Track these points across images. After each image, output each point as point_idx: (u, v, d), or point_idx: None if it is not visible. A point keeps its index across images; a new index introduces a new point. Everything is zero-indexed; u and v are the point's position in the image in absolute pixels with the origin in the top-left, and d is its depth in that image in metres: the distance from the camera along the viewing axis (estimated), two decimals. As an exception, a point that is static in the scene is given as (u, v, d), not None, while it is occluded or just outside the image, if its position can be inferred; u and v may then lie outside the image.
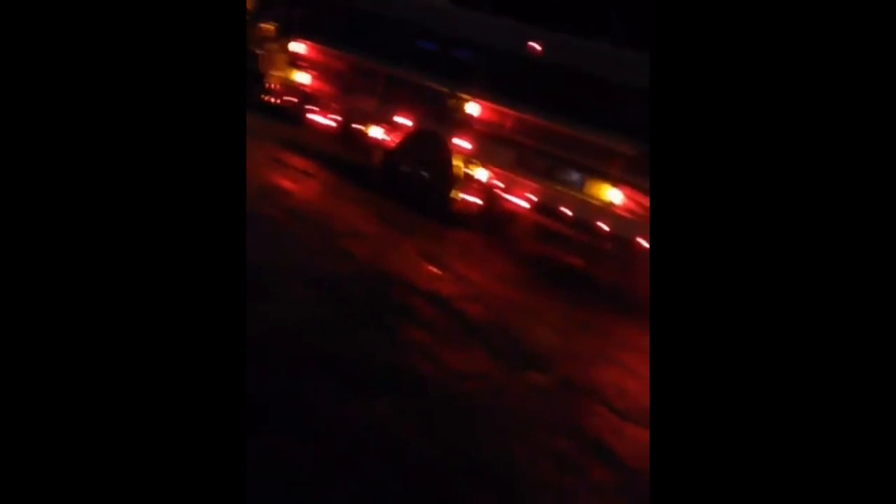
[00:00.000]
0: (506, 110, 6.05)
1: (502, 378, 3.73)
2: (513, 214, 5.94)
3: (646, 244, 5.18)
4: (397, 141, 6.61)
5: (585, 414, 3.61)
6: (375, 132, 6.72)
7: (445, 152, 6.26)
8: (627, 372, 4.21)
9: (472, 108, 6.23)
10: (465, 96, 6.26)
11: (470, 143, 6.14)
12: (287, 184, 6.43)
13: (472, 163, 6.16)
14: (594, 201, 5.48)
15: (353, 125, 6.85)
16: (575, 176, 5.66)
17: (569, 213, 5.57)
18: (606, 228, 5.36)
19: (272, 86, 8.46)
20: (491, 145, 6.07)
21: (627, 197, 5.33)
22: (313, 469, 2.52)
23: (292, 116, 7.42)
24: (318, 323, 3.70)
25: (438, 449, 2.89)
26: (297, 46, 7.35)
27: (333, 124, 6.99)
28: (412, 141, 6.55)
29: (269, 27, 9.14)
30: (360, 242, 5.28)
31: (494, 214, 6.08)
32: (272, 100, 8.27)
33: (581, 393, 3.79)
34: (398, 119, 6.57)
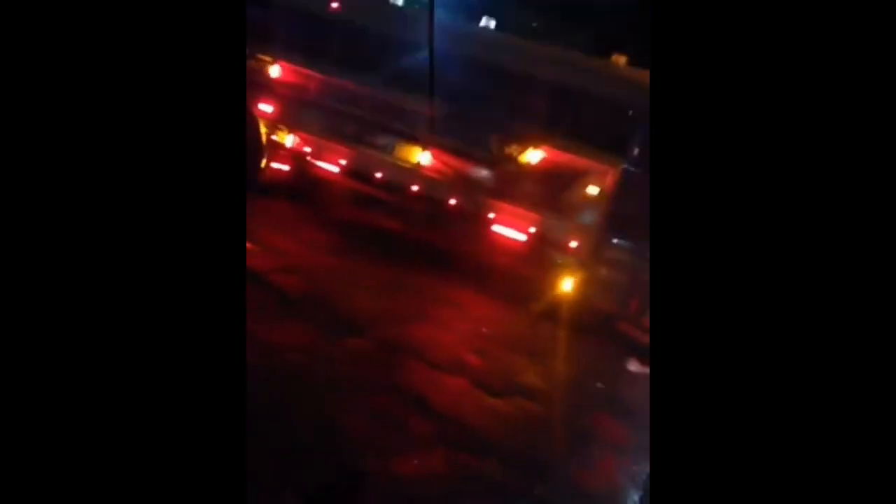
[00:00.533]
0: (309, 72, 5.87)
1: (320, 347, 3.69)
2: (324, 181, 5.84)
3: (454, 201, 5.38)
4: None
5: (403, 371, 3.71)
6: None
7: (249, 118, 5.94)
8: (441, 326, 4.40)
9: (274, 71, 5.96)
10: (265, 58, 5.96)
11: (274, 107, 5.89)
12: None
13: (278, 129, 5.92)
14: (404, 164, 5.56)
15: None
16: (384, 139, 5.68)
17: (380, 176, 5.60)
18: (417, 189, 5.47)
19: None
20: (297, 110, 5.88)
21: (435, 158, 5.47)
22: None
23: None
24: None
25: (261, 425, 2.80)
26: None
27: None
28: (212, 107, 6.14)
29: None
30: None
31: (305, 181, 5.93)
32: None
33: (398, 351, 3.88)
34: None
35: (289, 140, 5.88)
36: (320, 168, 5.77)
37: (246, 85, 1.61)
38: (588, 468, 3.32)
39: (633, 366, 4.87)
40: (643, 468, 3.36)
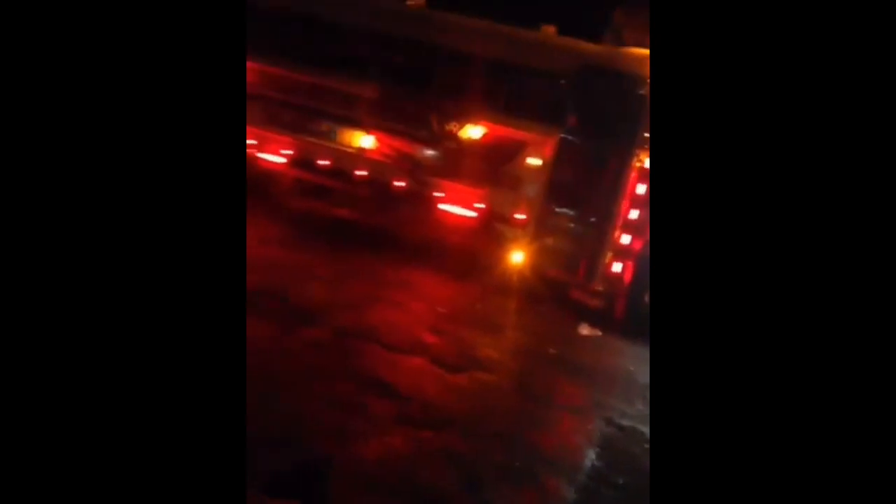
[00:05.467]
0: (249, 64, 5.80)
1: (276, 339, 3.74)
2: (269, 173, 5.82)
3: (400, 183, 5.43)
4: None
5: (359, 355, 3.78)
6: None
7: (188, 115, 5.87)
8: (395, 307, 4.48)
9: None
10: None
11: (213, 102, 5.82)
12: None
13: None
14: (348, 149, 5.58)
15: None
16: (326, 126, 5.68)
17: (325, 163, 5.61)
18: (363, 174, 5.51)
19: None
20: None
21: (378, 141, 5.50)
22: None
23: None
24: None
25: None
26: None
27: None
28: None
29: None
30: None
31: (251, 175, 5.89)
32: None
33: (354, 337, 3.95)
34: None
35: (230, 134, 5.83)
36: (265, 160, 5.75)
37: (246, 85, 1.65)
38: (547, 431, 3.47)
39: (585, 329, 5.04)
40: (598, 426, 3.55)
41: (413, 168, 5.40)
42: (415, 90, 5.39)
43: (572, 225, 5.09)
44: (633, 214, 4.84)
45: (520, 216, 5.20)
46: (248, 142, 5.79)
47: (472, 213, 5.22)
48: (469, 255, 5.20)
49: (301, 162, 5.66)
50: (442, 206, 5.26)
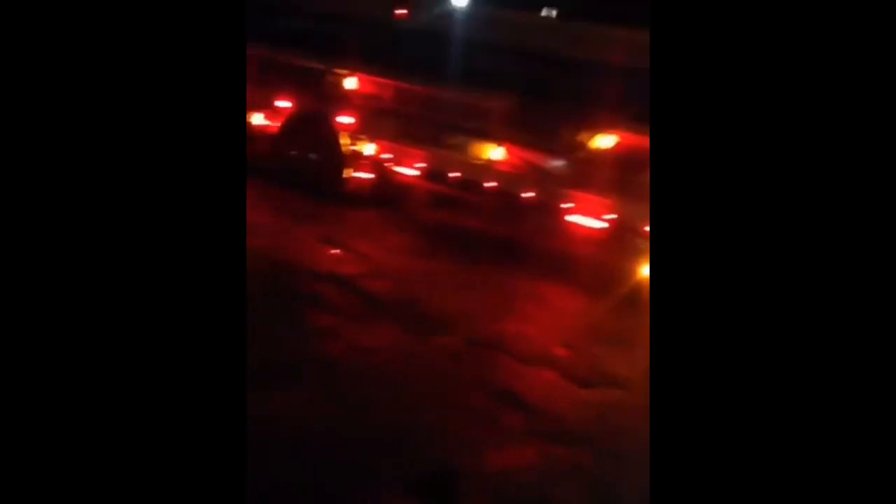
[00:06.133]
0: (383, 80, 6.10)
1: (410, 347, 3.91)
2: (404, 185, 6.07)
3: (529, 194, 5.46)
4: (281, 126, 6.54)
5: (490, 366, 3.87)
6: (256, 119, 6.61)
7: (331, 131, 6.26)
8: (525, 320, 4.51)
9: (350, 83, 6.24)
10: (341, 71, 6.26)
11: (353, 118, 6.17)
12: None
13: (358, 138, 6.20)
14: (478, 161, 5.69)
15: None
16: (458, 138, 5.83)
17: (456, 175, 5.76)
18: (492, 185, 5.60)
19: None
20: (374, 118, 6.13)
21: (508, 152, 5.57)
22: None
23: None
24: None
25: (354, 424, 3.04)
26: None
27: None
28: (295, 123, 6.50)
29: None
30: (256, 236, 5.27)
31: (387, 188, 6.19)
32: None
33: (485, 347, 4.03)
34: (278, 103, 6.49)
35: (369, 149, 6.16)
36: (400, 173, 6.00)
37: (246, 85, 1.65)
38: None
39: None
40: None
41: (542, 179, 5.41)
42: (546, 101, 5.40)
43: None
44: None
45: (653, 228, 5.02)
46: (384, 156, 6.08)
47: (603, 225, 5.14)
48: (599, 267, 5.11)
49: (433, 174, 5.85)
50: (571, 218, 5.22)
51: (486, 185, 5.60)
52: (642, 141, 5.08)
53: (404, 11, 6.08)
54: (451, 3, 6.06)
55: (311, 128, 6.41)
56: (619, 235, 5.09)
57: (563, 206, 5.26)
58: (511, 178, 5.50)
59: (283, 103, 6.48)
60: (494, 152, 5.62)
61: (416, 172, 5.92)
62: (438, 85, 5.80)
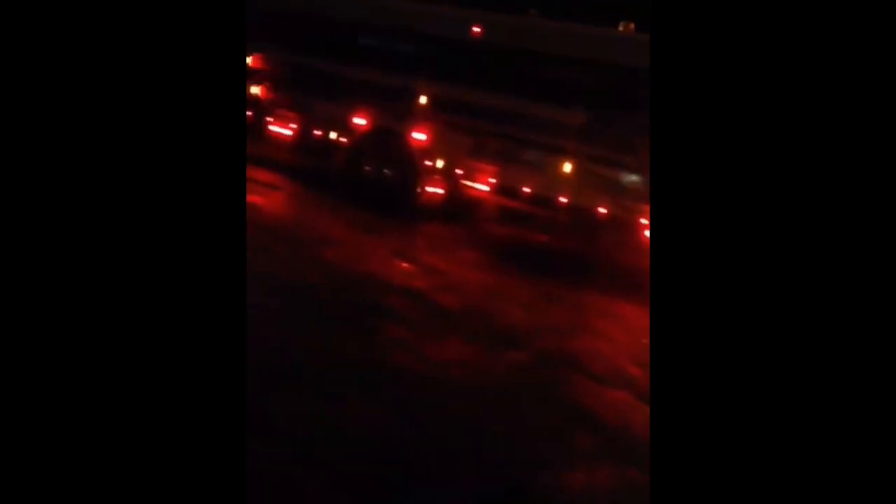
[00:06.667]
0: (457, 97, 6.18)
1: (481, 360, 3.88)
2: (475, 200, 6.09)
3: (604, 210, 5.36)
4: (356, 141, 6.71)
5: (563, 383, 3.79)
6: (333, 135, 6.81)
7: (405, 147, 6.38)
8: (599, 337, 4.41)
9: (423, 99, 6.34)
10: (416, 88, 6.37)
11: (427, 134, 6.26)
12: (253, 198, 6.52)
13: (431, 154, 6.29)
14: (551, 176, 5.65)
15: (311, 131, 6.94)
16: (530, 153, 5.81)
17: (528, 190, 5.73)
18: (564, 200, 5.53)
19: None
20: (447, 134, 6.20)
21: (582, 167, 5.50)
22: (304, 477, 2.61)
23: (250, 131, 7.47)
24: (295, 332, 3.79)
25: (425, 437, 3.04)
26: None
27: (290, 133, 7.07)
28: (371, 139, 6.66)
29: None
30: (330, 248, 5.40)
31: (458, 202, 6.23)
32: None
33: (557, 363, 3.97)
34: (355, 120, 6.67)
35: (442, 164, 6.22)
36: (472, 188, 6.03)
37: (246, 84, 1.64)
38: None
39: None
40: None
41: (617, 194, 5.31)
42: (621, 115, 5.31)
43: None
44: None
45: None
46: (456, 171, 6.13)
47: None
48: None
49: (505, 189, 5.85)
50: (648, 234, 5.09)
51: (560, 199, 5.54)
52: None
53: (478, 30, 6.15)
54: (524, 20, 6.08)
55: (385, 143, 6.55)
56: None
57: (639, 221, 5.13)
58: (585, 192, 5.42)
59: (360, 120, 6.65)
60: (568, 166, 5.56)
61: (487, 187, 5.93)
62: (512, 101, 5.81)
